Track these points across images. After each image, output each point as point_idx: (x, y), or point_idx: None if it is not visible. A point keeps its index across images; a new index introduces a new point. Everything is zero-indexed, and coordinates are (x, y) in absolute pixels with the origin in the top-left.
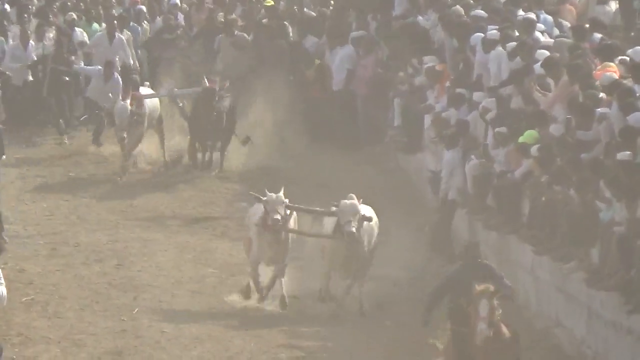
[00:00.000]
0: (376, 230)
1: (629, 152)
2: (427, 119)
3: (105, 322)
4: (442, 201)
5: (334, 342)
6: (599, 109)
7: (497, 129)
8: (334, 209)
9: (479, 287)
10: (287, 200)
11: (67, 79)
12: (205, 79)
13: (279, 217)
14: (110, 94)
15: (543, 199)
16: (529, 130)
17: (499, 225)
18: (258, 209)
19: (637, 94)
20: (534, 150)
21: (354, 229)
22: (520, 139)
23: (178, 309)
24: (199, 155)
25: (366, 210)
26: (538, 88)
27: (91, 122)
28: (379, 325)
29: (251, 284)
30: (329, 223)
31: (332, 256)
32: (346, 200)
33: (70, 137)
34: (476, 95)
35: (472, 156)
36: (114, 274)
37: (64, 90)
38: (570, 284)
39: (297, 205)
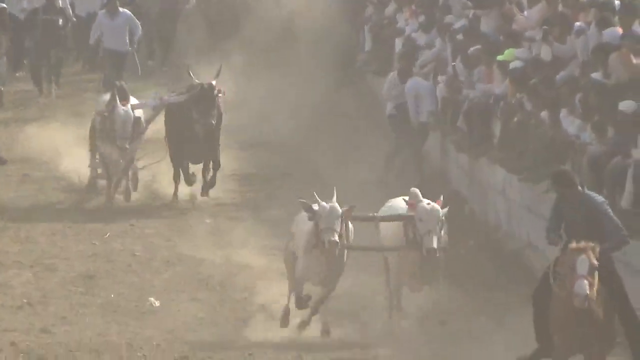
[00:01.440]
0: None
1: (599, 72)
2: (398, 43)
3: (77, 246)
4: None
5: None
6: (577, 22)
7: (471, 49)
8: (407, 212)
9: (576, 245)
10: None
11: (60, 31)
12: (192, 74)
13: (336, 238)
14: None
15: (514, 120)
16: (509, 49)
17: (470, 147)
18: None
19: (616, 9)
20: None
21: (435, 244)
22: (499, 58)
23: (149, 232)
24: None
25: (437, 209)
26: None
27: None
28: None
29: (290, 305)
30: (388, 227)
31: (403, 269)
32: (425, 204)
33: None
34: (448, 18)
35: (441, 79)
36: (86, 200)
37: (58, 42)
38: (541, 204)
39: (359, 215)
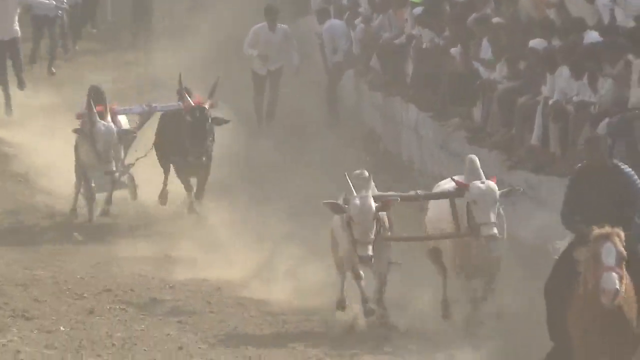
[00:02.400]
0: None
1: (511, 10)
2: None
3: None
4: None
5: None
6: None
7: None
8: (457, 190)
9: (599, 230)
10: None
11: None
12: (186, 93)
13: (369, 250)
14: None
15: (426, 60)
16: None
17: (383, 86)
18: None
19: None
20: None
21: (496, 231)
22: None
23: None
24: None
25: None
26: None
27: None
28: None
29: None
30: (438, 209)
31: (458, 258)
32: (480, 183)
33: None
34: None
35: (357, 21)
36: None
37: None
38: (453, 141)
39: (398, 194)
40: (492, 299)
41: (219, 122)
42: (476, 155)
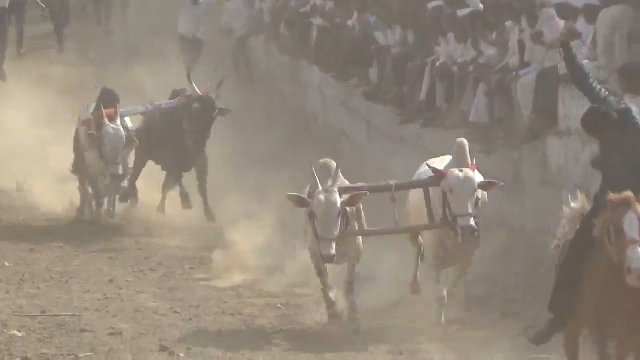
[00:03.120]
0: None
1: None
2: None
3: None
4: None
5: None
6: None
7: None
8: (433, 180)
9: (617, 196)
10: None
11: None
12: (193, 83)
13: (332, 249)
14: None
15: (329, 26)
16: None
17: (291, 50)
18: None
19: None
20: None
21: (472, 222)
22: None
23: None
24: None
25: (471, 177)
26: None
27: None
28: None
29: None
30: (418, 196)
31: (434, 248)
32: (457, 171)
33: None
34: None
35: None
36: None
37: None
38: (352, 99)
39: (371, 185)
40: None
41: (224, 112)
42: (373, 111)
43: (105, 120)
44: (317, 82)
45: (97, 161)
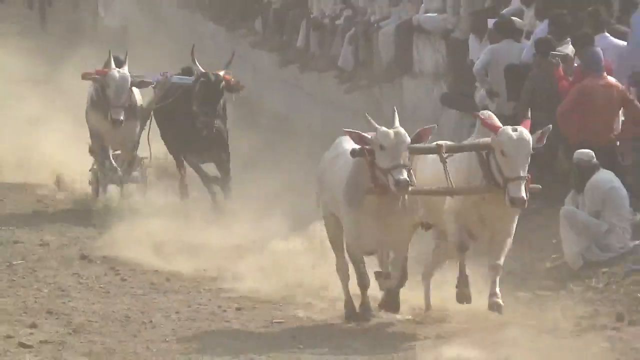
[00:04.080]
0: None
1: None
2: None
3: None
4: None
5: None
6: None
7: None
8: (485, 139)
9: None
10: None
11: None
12: (196, 62)
13: (406, 176)
14: None
15: None
16: None
17: (190, 6)
18: (342, 153)
19: None
20: None
21: (523, 192)
22: None
23: None
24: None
25: (527, 137)
26: None
27: None
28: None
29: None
30: (430, 164)
31: (467, 217)
32: (510, 129)
33: None
34: None
35: None
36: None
37: None
38: (240, 46)
39: (418, 146)
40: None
41: (233, 89)
42: (257, 57)
43: (112, 65)
44: (211, 32)
45: (99, 114)
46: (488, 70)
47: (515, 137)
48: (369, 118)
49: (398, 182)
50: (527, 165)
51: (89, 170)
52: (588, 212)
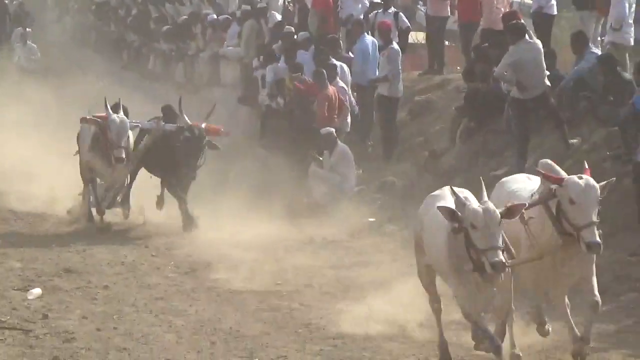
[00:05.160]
0: None
1: None
2: None
3: None
4: None
5: None
6: None
7: None
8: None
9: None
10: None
11: None
12: (183, 114)
13: (499, 257)
14: None
15: None
16: None
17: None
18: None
19: None
20: None
21: (598, 236)
22: None
23: None
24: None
25: (595, 185)
26: None
27: None
28: None
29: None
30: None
31: (541, 275)
32: (576, 178)
33: None
34: None
35: None
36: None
37: None
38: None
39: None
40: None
41: (212, 146)
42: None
43: (110, 111)
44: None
45: (99, 155)
46: (515, 69)
47: (583, 185)
48: (454, 189)
49: (494, 266)
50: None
51: (79, 194)
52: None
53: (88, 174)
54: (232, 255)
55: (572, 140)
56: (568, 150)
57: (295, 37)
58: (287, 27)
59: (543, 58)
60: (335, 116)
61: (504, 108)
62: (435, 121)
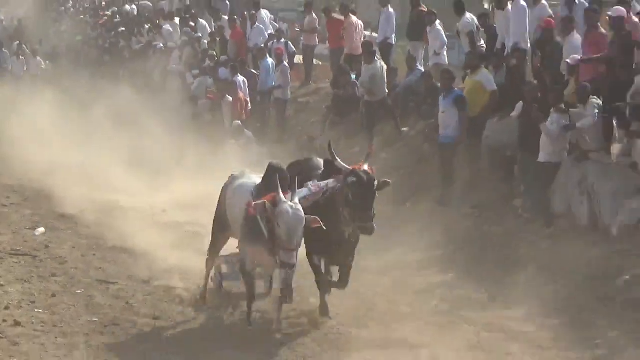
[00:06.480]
0: None
1: None
2: None
3: None
4: None
5: None
6: None
7: None
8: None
9: None
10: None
11: None
12: (337, 157)
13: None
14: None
15: None
16: None
17: None
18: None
19: None
20: None
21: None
22: None
23: None
24: None
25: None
26: None
27: None
28: None
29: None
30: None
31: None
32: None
33: None
34: None
35: None
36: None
37: None
38: None
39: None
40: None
41: (383, 186)
42: None
43: (282, 196)
44: None
45: (259, 247)
46: (369, 80)
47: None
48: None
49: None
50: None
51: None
52: None
53: (250, 265)
54: None
55: (403, 129)
56: (399, 136)
57: (217, 58)
58: (210, 52)
59: (385, 74)
60: (243, 112)
61: (359, 107)
62: (311, 116)
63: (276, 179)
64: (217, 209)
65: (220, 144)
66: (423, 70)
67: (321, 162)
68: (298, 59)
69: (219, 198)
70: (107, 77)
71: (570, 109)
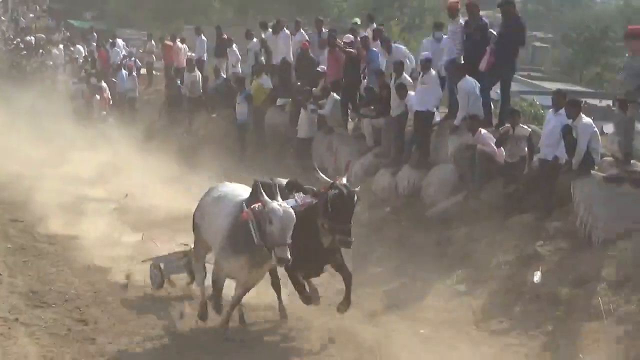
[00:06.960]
0: None
1: None
2: None
3: None
4: None
5: None
6: None
7: None
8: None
9: None
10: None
11: None
12: (320, 173)
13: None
14: None
15: None
16: None
17: None
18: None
19: None
20: None
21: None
22: None
23: None
24: None
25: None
26: None
27: None
28: None
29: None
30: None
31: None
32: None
33: None
34: None
35: None
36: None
37: None
38: None
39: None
40: None
41: (358, 201)
42: None
43: (266, 198)
44: None
45: (245, 253)
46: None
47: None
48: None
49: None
50: None
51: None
52: None
53: (221, 275)
54: None
55: (212, 115)
56: (210, 119)
57: (89, 71)
58: (85, 67)
59: (201, 80)
60: (107, 106)
61: (183, 102)
62: (153, 108)
63: (260, 187)
64: (194, 216)
65: (92, 128)
66: (225, 77)
67: (283, 182)
68: (143, 71)
69: (197, 207)
70: (15, 85)
71: (319, 101)
